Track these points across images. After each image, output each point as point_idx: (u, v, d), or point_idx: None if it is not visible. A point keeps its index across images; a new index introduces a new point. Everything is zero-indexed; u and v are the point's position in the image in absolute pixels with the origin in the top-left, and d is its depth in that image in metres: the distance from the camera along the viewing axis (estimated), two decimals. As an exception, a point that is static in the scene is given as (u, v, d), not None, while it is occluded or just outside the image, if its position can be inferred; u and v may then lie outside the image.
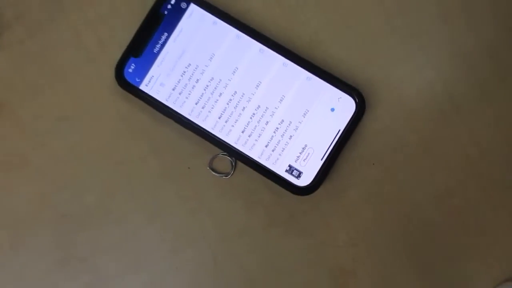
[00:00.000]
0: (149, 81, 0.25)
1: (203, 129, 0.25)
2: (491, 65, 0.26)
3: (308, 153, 0.25)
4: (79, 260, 0.26)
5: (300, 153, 0.25)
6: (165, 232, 0.26)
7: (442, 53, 0.27)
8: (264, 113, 0.25)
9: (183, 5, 0.26)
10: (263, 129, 0.25)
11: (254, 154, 0.25)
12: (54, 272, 0.26)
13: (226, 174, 0.26)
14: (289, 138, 0.25)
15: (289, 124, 0.25)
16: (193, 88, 0.25)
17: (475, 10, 0.27)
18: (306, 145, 0.25)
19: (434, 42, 0.27)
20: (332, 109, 0.25)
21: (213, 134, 0.25)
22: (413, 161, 0.26)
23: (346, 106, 0.25)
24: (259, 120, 0.25)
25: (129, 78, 0.26)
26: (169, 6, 0.25)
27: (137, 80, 0.26)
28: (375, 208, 0.26)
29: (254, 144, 0.25)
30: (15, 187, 0.27)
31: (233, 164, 0.26)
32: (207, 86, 0.25)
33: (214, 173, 0.26)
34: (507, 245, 0.26)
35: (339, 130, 0.25)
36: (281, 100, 0.25)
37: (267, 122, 0.25)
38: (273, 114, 0.25)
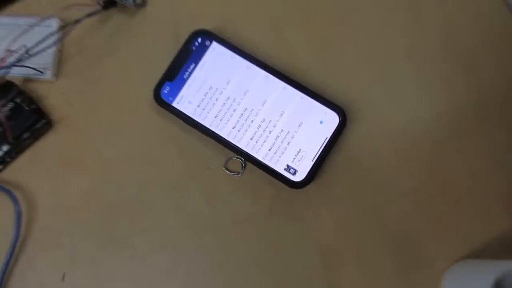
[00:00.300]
0: (180, 100, 0.33)
1: (221, 136, 0.32)
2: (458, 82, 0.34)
3: (302, 155, 0.32)
4: (121, 239, 0.33)
5: (295, 155, 0.32)
6: (188, 218, 0.33)
7: (414, 81, 0.34)
8: (268, 125, 0.32)
9: (207, 43, 0.34)
10: (267, 137, 0.32)
11: (260, 156, 0.32)
12: (102, 249, 0.33)
13: (238, 173, 0.33)
14: (287, 144, 0.32)
15: (287, 133, 0.32)
16: (213, 105, 0.33)
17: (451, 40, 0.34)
18: (300, 149, 0.32)
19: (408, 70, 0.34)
20: (321, 122, 0.32)
21: (228, 141, 0.32)
22: (385, 164, 0.33)
23: (331, 119, 0.32)
24: (264, 130, 0.32)
25: (164, 97, 0.33)
26: (196, 44, 0.33)
27: (170, 99, 0.33)
28: (356, 200, 0.33)
29: (260, 148, 0.32)
30: (73, 181, 0.34)
31: (243, 165, 0.33)
32: (224, 103, 0.33)
33: (228, 172, 0.33)
34: (460, 229, 0.32)
35: (326, 138, 0.32)
36: (281, 115, 0.32)
37: (270, 131, 0.32)
38: (275, 126, 0.32)
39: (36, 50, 0.34)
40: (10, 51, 0.33)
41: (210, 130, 0.33)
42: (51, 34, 0.34)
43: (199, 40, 0.34)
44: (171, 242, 0.33)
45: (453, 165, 0.33)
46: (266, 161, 0.32)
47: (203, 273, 0.33)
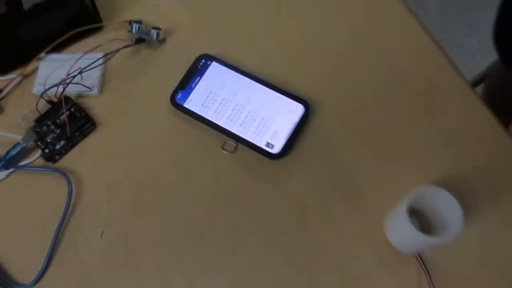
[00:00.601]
0: (189, 102, 0.46)
1: (218, 125, 0.44)
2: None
3: (278, 135, 0.43)
4: (145, 206, 0.44)
5: (273, 135, 0.44)
6: (197, 188, 0.44)
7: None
8: (253, 115, 0.44)
9: (208, 62, 0.47)
10: (252, 123, 0.44)
11: (247, 137, 0.44)
12: (131, 213, 0.44)
13: (232, 152, 0.45)
14: (267, 128, 0.44)
15: (267, 120, 0.44)
16: (213, 104, 0.45)
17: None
18: (276, 131, 0.44)
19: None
20: (291, 111, 0.44)
21: (224, 128, 0.44)
22: (341, 141, 0.44)
23: (298, 109, 0.44)
24: (250, 119, 0.44)
25: (178, 101, 0.46)
26: (201, 63, 0.47)
27: (182, 102, 0.46)
28: (321, 168, 0.44)
29: (247, 132, 0.44)
30: (110, 166, 0.46)
31: (236, 146, 0.45)
32: (221, 102, 0.45)
33: (225, 152, 0.45)
34: (397, 181, 0.42)
35: (295, 122, 0.44)
36: (262, 108, 0.45)
37: (254, 119, 0.44)
38: (257, 115, 0.44)
39: (86, 73, 0.47)
40: (69, 74, 0.47)
41: (211, 121, 0.45)
42: (98, 62, 0.48)
43: (203, 61, 0.47)
44: (183, 207, 0.44)
45: (387, 132, 0.44)
46: (252, 140, 0.44)
47: (207, 226, 0.43)
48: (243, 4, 0.52)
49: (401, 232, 0.38)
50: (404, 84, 0.47)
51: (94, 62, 0.47)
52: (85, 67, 0.47)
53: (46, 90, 0.46)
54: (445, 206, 0.36)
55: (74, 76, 0.46)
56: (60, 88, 0.47)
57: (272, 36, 0.50)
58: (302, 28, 0.50)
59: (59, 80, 0.46)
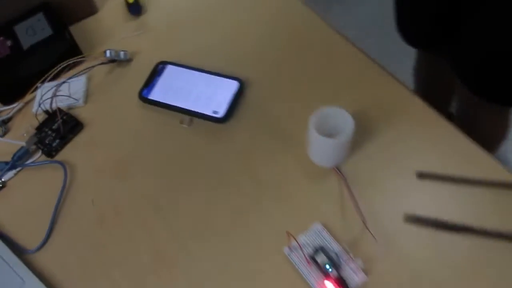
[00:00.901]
0: (152, 94, 0.59)
1: (175, 106, 0.57)
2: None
3: (221, 104, 0.56)
4: (126, 178, 0.55)
5: (217, 105, 0.56)
6: (165, 155, 0.56)
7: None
8: (200, 94, 0.58)
9: (165, 66, 0.61)
10: (200, 100, 0.57)
11: (198, 110, 0.56)
12: (115, 184, 0.55)
13: (188, 125, 0.57)
14: (212, 101, 0.57)
15: (213, 94, 0.57)
16: (170, 92, 0.59)
17: (288, 44, 0.62)
18: (219, 102, 0.57)
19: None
20: (229, 87, 0.58)
21: (180, 107, 0.57)
22: (270, 103, 0.57)
23: (234, 85, 0.58)
24: (198, 97, 0.57)
25: (144, 95, 0.59)
26: (159, 67, 0.61)
27: (147, 95, 0.59)
28: (257, 124, 0.56)
29: (197, 106, 0.57)
30: (96, 156, 0.58)
31: (191, 119, 0.57)
32: (175, 91, 0.59)
33: (183, 125, 0.57)
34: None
35: (233, 94, 0.57)
36: (207, 88, 0.58)
37: (202, 97, 0.57)
38: (204, 94, 0.58)
39: (74, 90, 0.62)
40: (59, 91, 0.61)
41: (170, 104, 0.58)
42: (83, 82, 0.62)
43: (160, 66, 0.62)
44: (155, 172, 0.55)
45: (302, 87, 0.57)
46: (201, 111, 0.56)
47: (176, 182, 0.54)
48: (186, 26, 0.68)
49: (314, 146, 0.49)
50: (307, 48, 0.61)
51: (79, 82, 0.62)
52: (69, 78, 0.61)
53: (43, 102, 0.60)
54: (343, 121, 0.48)
55: (60, 84, 0.61)
56: (54, 102, 0.61)
57: (209, 40, 0.65)
58: (227, 31, 0.65)
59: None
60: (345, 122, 0.47)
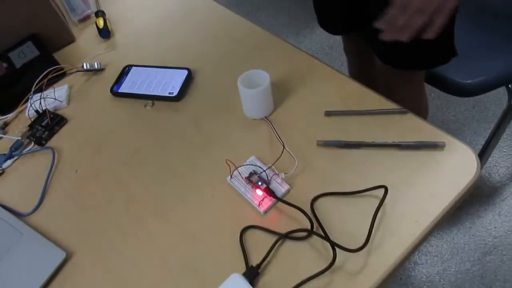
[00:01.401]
0: (121, 88, 0.75)
1: (139, 94, 0.73)
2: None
3: (175, 87, 0.72)
4: (102, 149, 0.69)
5: (172, 88, 0.72)
6: (131, 131, 0.70)
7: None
8: (158, 83, 0.73)
9: (131, 68, 0.78)
10: (159, 87, 0.73)
11: (157, 93, 0.72)
12: (93, 157, 0.68)
13: (151, 106, 0.72)
14: (168, 85, 0.72)
15: (169, 82, 0.73)
16: (135, 85, 0.74)
17: (226, 42, 0.79)
18: (174, 86, 0.72)
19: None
20: (180, 75, 0.73)
21: (143, 94, 0.72)
22: (212, 82, 0.73)
23: (184, 72, 0.74)
24: (157, 85, 0.73)
25: (115, 90, 0.75)
26: (126, 69, 0.77)
27: (117, 89, 0.75)
28: (206, 99, 0.71)
29: (157, 91, 0.72)
30: (77, 141, 0.72)
31: (153, 103, 0.72)
32: (139, 83, 0.74)
33: (146, 107, 0.72)
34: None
35: (184, 78, 0.73)
36: (163, 78, 0.74)
37: (160, 84, 0.73)
38: (161, 82, 0.73)
39: (58, 95, 0.77)
40: (46, 95, 0.76)
41: (135, 93, 0.73)
42: (65, 89, 0.78)
43: (127, 68, 0.78)
44: (126, 145, 0.69)
45: (237, 67, 0.73)
46: (160, 94, 0.72)
47: (143, 149, 0.67)
48: (144, 41, 0.85)
49: (244, 101, 0.64)
50: (238, 43, 0.77)
51: (63, 89, 0.77)
52: (52, 81, 0.77)
53: (33, 102, 0.74)
54: (262, 78, 0.63)
55: (43, 84, 0.76)
56: (43, 104, 0.75)
57: (162, 47, 0.82)
58: (175, 38, 0.82)
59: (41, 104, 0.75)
60: (264, 78, 0.63)
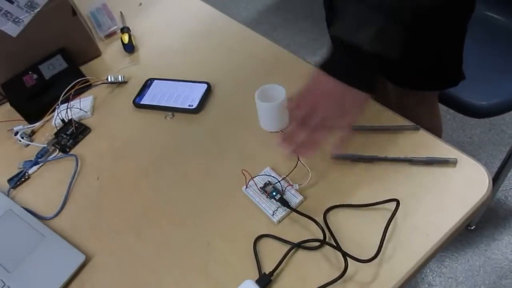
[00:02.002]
0: (143, 100, 0.78)
1: (160, 105, 0.76)
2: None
3: (194, 100, 0.75)
4: (123, 157, 0.72)
5: (191, 100, 0.75)
6: (153, 141, 0.73)
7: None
8: (179, 95, 0.76)
9: (153, 81, 0.81)
10: (179, 99, 0.76)
11: (177, 105, 0.75)
12: (114, 165, 0.71)
13: (171, 118, 0.75)
14: (188, 98, 0.75)
15: (187, 95, 0.76)
16: (156, 97, 0.78)
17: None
18: (193, 99, 0.75)
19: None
20: (200, 88, 0.77)
21: (164, 106, 0.76)
22: (231, 96, 0.75)
23: (204, 86, 0.77)
24: (177, 98, 0.76)
25: (137, 102, 0.78)
26: (148, 82, 0.81)
27: (139, 101, 0.78)
28: (222, 112, 0.73)
29: (177, 104, 0.75)
30: (100, 147, 0.75)
31: (173, 115, 0.75)
32: (160, 96, 0.78)
33: (168, 119, 0.75)
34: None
35: (203, 92, 0.76)
36: (183, 91, 0.77)
37: (180, 97, 0.76)
38: (181, 95, 0.76)
39: (83, 105, 0.80)
40: (72, 105, 0.80)
41: (156, 105, 0.76)
42: (90, 100, 0.82)
43: (149, 81, 0.81)
44: (147, 153, 0.72)
45: (250, 85, 0.75)
46: (180, 106, 0.75)
47: (164, 159, 0.70)
48: (166, 55, 0.89)
49: (261, 114, 0.67)
50: (254, 59, 0.80)
51: (88, 100, 0.81)
52: (78, 92, 0.81)
53: (60, 112, 0.78)
54: (278, 92, 0.66)
55: (70, 94, 0.80)
56: (69, 113, 0.79)
57: (183, 62, 0.85)
58: (197, 53, 0.86)
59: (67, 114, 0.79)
60: (280, 93, 0.65)
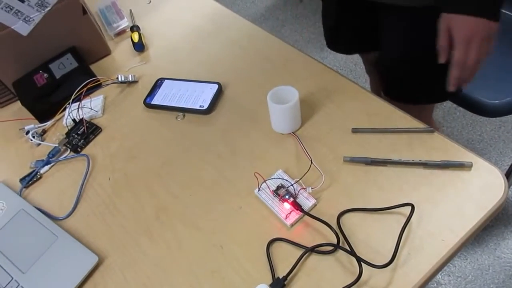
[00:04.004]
0: (154, 101, 0.78)
1: (171, 106, 0.76)
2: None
3: (206, 100, 0.74)
4: (135, 158, 0.72)
5: (202, 101, 0.74)
6: (164, 142, 0.72)
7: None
8: (189, 96, 0.76)
9: (163, 80, 0.81)
10: (190, 100, 0.75)
11: (188, 106, 0.74)
12: (126, 165, 0.71)
13: (182, 118, 0.75)
14: (199, 99, 0.75)
15: (200, 95, 0.75)
16: (167, 98, 0.77)
17: (255, 58, 0.82)
18: (204, 99, 0.75)
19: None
20: (211, 88, 0.76)
21: (175, 106, 0.75)
22: (241, 98, 0.75)
23: (215, 87, 0.76)
24: (188, 98, 0.76)
25: (148, 102, 0.78)
26: (159, 82, 0.81)
27: (150, 101, 0.78)
28: (233, 112, 0.73)
29: (188, 104, 0.75)
30: (111, 147, 0.75)
31: (184, 115, 0.75)
32: (171, 96, 0.77)
33: (179, 119, 0.75)
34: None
35: (214, 92, 0.75)
36: (194, 91, 0.76)
37: (191, 97, 0.76)
38: (192, 95, 0.76)
39: (94, 104, 0.80)
40: (83, 105, 0.80)
41: (167, 105, 0.76)
42: (101, 99, 0.81)
43: (160, 81, 0.81)
44: (158, 153, 0.71)
45: (262, 89, 0.75)
46: (191, 107, 0.74)
47: (175, 159, 0.70)
48: (176, 54, 0.88)
49: (273, 116, 0.66)
50: (266, 60, 0.80)
51: (98, 102, 0.81)
52: (89, 92, 0.80)
53: (71, 111, 0.78)
54: (291, 94, 0.65)
55: (81, 94, 0.79)
56: (80, 113, 0.79)
57: (194, 61, 0.85)
58: (207, 53, 0.85)
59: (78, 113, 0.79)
60: (292, 94, 0.65)
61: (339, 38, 0.95)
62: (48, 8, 0.81)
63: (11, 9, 0.78)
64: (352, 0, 0.84)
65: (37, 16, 0.81)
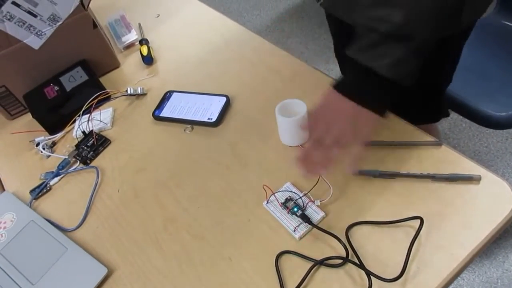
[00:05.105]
0: (162, 113, 0.79)
1: (179, 118, 0.76)
2: (272, 81, 0.80)
3: (214, 113, 0.75)
4: (144, 170, 0.72)
5: (211, 114, 0.75)
6: (171, 154, 0.73)
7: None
8: (198, 108, 0.77)
9: (172, 93, 0.82)
10: (198, 112, 0.76)
11: (196, 119, 0.75)
12: (135, 176, 0.72)
13: (190, 131, 0.75)
14: (207, 111, 0.76)
15: (207, 108, 0.76)
16: (175, 110, 0.78)
17: (263, 71, 0.82)
18: (212, 112, 0.75)
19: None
20: (219, 101, 0.77)
21: (183, 119, 0.76)
22: (249, 110, 0.75)
23: (223, 99, 0.77)
24: (197, 111, 0.76)
25: (156, 114, 0.79)
26: (168, 94, 0.82)
27: (158, 114, 0.79)
28: (241, 125, 0.74)
29: (196, 117, 0.75)
30: (121, 159, 0.76)
31: (192, 128, 0.76)
32: (179, 108, 0.78)
33: (187, 131, 0.75)
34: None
35: (223, 105, 0.76)
36: (202, 104, 0.77)
37: (199, 110, 0.76)
38: (200, 108, 0.77)
39: (103, 117, 0.81)
40: (92, 117, 0.81)
41: (175, 118, 0.77)
42: (110, 111, 0.82)
43: (168, 93, 0.82)
44: (166, 165, 0.72)
45: (270, 101, 0.75)
46: (199, 119, 0.75)
47: (183, 170, 0.70)
48: (185, 67, 0.90)
49: (281, 128, 0.67)
50: (274, 73, 0.80)
51: (108, 114, 0.82)
52: (98, 104, 0.82)
53: (81, 124, 0.79)
54: (299, 107, 0.66)
55: (91, 106, 0.81)
56: (89, 125, 0.80)
57: (202, 74, 0.86)
58: (215, 66, 0.86)
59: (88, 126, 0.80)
60: (301, 108, 0.65)
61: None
62: (60, 23, 0.82)
63: (23, 24, 0.80)
64: None
65: (48, 30, 0.82)
